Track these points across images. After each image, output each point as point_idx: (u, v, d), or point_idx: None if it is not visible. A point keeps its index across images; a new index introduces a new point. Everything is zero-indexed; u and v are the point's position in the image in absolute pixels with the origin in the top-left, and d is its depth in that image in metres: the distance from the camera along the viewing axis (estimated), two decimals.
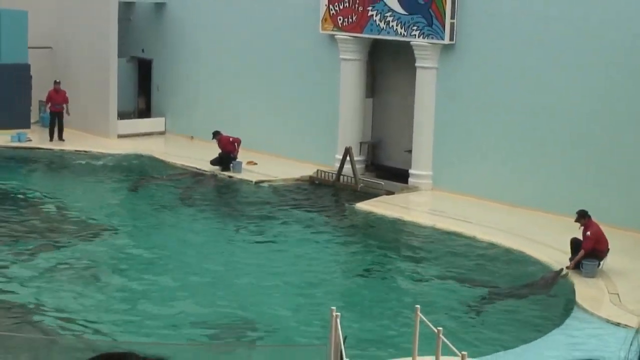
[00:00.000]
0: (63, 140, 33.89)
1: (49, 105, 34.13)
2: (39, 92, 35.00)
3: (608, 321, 17.78)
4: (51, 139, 33.83)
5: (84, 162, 31.79)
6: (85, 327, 17.77)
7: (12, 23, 34.79)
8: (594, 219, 20.86)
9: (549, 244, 22.33)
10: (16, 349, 16.29)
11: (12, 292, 19.48)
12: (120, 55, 35.55)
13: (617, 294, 19.14)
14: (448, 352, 12.08)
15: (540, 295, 19.78)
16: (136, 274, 20.91)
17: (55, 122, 33.93)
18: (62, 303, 19.00)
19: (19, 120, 33.97)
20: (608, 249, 20.58)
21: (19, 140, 33.58)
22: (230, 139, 30.14)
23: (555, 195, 24.76)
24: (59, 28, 36.15)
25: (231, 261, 22.46)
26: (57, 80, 34.22)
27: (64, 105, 34.06)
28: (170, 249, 23.26)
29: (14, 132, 33.76)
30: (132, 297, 19.60)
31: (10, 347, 16.27)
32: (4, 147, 33.19)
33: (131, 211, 27.34)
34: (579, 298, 18.95)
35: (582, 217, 20.76)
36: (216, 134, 30.28)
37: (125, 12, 36.35)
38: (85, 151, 32.99)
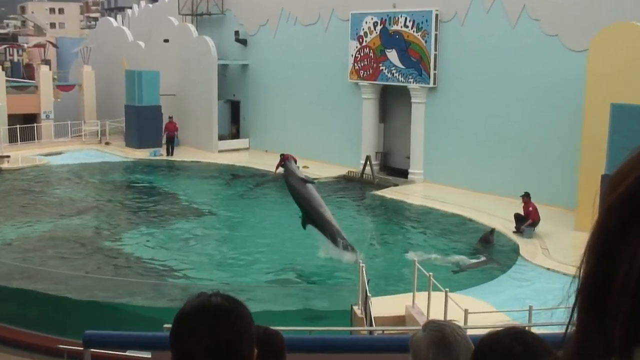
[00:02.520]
0: (172, 155, 33.93)
1: (166, 132, 34.28)
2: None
3: (541, 266, 17.68)
4: (166, 154, 33.97)
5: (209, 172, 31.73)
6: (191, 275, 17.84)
7: (150, 79, 35.15)
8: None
9: (497, 215, 22.11)
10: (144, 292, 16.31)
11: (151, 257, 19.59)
12: (219, 98, 35.65)
13: (547, 249, 18.96)
14: (437, 289, 12.03)
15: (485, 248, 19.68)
16: (226, 242, 20.91)
17: (169, 143, 34.06)
18: (186, 259, 19.09)
19: (154, 142, 34.31)
20: (540, 219, 20.37)
21: (154, 155, 33.88)
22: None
23: (505, 184, 24.53)
24: (180, 82, 36.31)
25: (291, 226, 22.40)
26: (170, 116, 34.41)
27: (175, 132, 34.22)
28: (250, 225, 23.19)
29: (151, 149, 34.03)
30: (223, 257, 19.57)
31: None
32: (145, 159, 33.52)
33: (225, 200, 27.35)
34: (521, 251, 18.80)
35: (527, 196, 20.61)
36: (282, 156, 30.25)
37: (222, 70, 36.42)
38: (198, 161, 33.13)
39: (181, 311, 2.03)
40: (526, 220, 20.29)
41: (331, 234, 18.27)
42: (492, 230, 20.32)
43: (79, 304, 15.55)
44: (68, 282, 16.59)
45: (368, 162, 28.77)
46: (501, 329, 2.19)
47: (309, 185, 18.94)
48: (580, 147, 21.02)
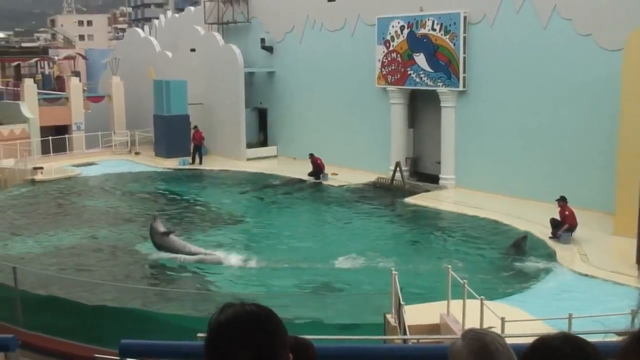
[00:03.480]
0: (201, 164, 34.03)
1: (193, 141, 34.40)
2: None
3: (579, 273, 17.34)
4: (192, 162, 34.19)
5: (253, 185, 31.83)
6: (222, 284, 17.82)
7: (177, 89, 35.42)
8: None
9: (532, 220, 21.80)
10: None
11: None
12: (246, 106, 35.72)
13: (586, 255, 18.62)
14: (471, 297, 11.85)
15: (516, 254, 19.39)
16: (257, 250, 20.87)
17: (195, 151, 34.23)
18: (218, 267, 19.08)
19: (182, 151, 34.53)
20: (577, 223, 20.04)
21: (183, 164, 34.06)
22: (318, 161, 30.13)
23: (540, 188, 24.22)
24: (207, 90, 36.48)
25: (321, 237, 22.38)
26: (195, 126, 34.64)
27: (201, 141, 34.36)
28: (280, 233, 23.13)
29: (180, 159, 34.24)
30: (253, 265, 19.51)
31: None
32: (174, 168, 33.75)
33: (255, 208, 27.37)
34: (558, 258, 18.48)
35: (563, 200, 20.30)
36: (311, 155, 30.27)
37: (249, 78, 36.52)
38: (226, 169, 33.23)
39: (215, 321, 2.04)
40: (562, 225, 19.94)
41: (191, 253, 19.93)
42: (525, 237, 20.03)
43: (113, 312, 15.66)
44: (102, 291, 16.68)
45: (398, 168, 28.58)
46: (551, 333, 2.17)
47: (171, 236, 20.38)
48: (618, 149, 20.63)
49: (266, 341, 1.99)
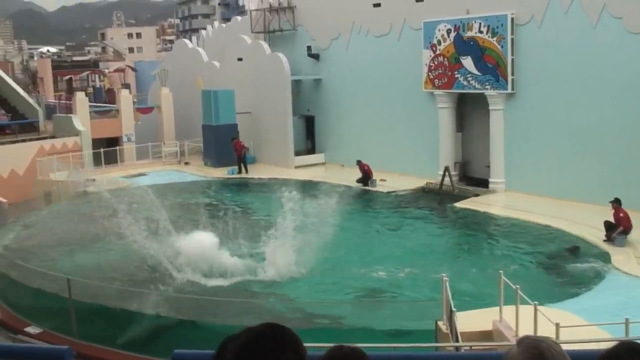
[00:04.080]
0: (247, 173, 34.12)
1: (235, 152, 34.48)
2: (244, 141, 35.64)
3: (635, 276, 16.99)
4: (240, 172, 34.21)
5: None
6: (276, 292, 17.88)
7: (225, 98, 35.76)
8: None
9: (585, 224, 21.41)
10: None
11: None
12: (293, 114, 35.87)
13: None
14: (524, 302, 11.70)
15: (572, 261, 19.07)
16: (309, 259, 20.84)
17: (239, 161, 34.28)
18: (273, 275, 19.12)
19: (231, 160, 34.72)
20: (631, 226, 19.63)
21: (232, 173, 34.28)
22: (366, 167, 30.11)
23: (593, 190, 23.82)
24: (255, 99, 36.75)
25: (369, 243, 22.27)
26: (233, 137, 34.58)
27: (243, 151, 34.33)
28: (332, 241, 23.06)
29: (229, 168, 34.50)
30: (306, 273, 19.47)
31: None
32: (224, 177, 34.00)
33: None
34: (613, 261, 18.11)
35: (617, 202, 19.92)
36: (358, 162, 30.29)
37: (296, 86, 36.70)
38: (275, 178, 33.36)
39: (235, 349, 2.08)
40: (617, 228, 19.54)
41: None
42: (577, 248, 19.70)
43: (166, 322, 15.85)
44: (153, 302, 16.88)
45: (447, 173, 28.40)
46: (617, 343, 2.13)
47: None
48: None
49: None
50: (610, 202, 20.12)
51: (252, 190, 32.23)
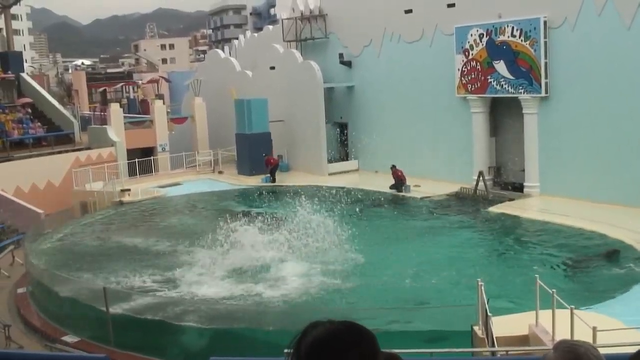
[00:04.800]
0: (274, 182, 34.24)
1: (268, 166, 34.56)
2: (278, 149, 35.83)
3: None
4: (273, 181, 34.31)
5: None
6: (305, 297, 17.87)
7: (258, 107, 35.99)
8: None
9: (624, 227, 21.13)
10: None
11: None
12: (326, 121, 35.95)
13: None
14: (561, 306, 11.59)
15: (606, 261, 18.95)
16: (343, 265, 20.80)
17: (272, 171, 34.41)
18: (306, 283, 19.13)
19: (265, 168, 34.85)
20: None
21: (266, 181, 34.41)
22: (400, 173, 30.06)
23: (631, 193, 23.55)
24: (288, 107, 36.91)
25: (406, 247, 22.17)
26: (265, 153, 34.86)
27: (275, 164, 34.50)
28: (365, 241, 22.96)
29: (263, 176, 34.65)
30: (339, 280, 19.46)
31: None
32: (258, 185, 34.09)
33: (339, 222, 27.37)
34: None
35: None
36: (392, 167, 30.27)
37: (329, 93, 36.80)
38: (309, 185, 33.33)
39: (306, 341, 2.02)
40: None
41: None
42: (617, 251, 19.46)
43: (200, 331, 15.95)
44: (185, 311, 16.99)
45: (481, 178, 28.25)
46: None
47: None
48: None
49: (365, 356, 1.99)
50: None
51: (287, 197, 32.16)
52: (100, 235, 26.88)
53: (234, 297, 18.30)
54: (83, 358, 11.74)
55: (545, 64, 26.51)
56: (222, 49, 48.55)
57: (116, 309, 17.06)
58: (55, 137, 39.33)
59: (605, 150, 24.93)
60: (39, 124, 40.27)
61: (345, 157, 37.40)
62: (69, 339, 17.30)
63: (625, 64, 23.99)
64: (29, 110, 41.26)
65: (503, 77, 28.14)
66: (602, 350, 2.48)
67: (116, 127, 38.51)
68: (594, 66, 24.99)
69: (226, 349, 14.74)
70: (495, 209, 25.84)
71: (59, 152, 36.92)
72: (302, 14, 38.50)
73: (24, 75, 44.22)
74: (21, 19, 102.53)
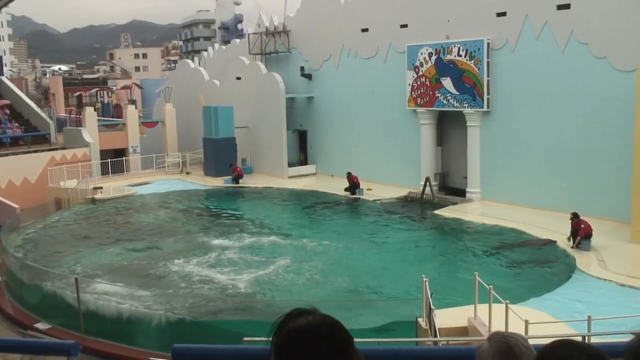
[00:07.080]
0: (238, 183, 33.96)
1: (234, 173, 34.08)
2: (242, 153, 35.63)
3: (598, 277, 17.08)
4: (236, 183, 34.02)
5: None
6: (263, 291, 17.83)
7: (225, 114, 35.81)
8: (581, 214, 20.40)
9: (554, 230, 21.53)
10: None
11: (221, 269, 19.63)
12: (287, 128, 35.91)
13: (604, 261, 18.34)
14: (497, 301, 11.75)
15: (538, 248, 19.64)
16: (298, 260, 20.83)
17: (236, 178, 34.12)
18: (260, 276, 19.06)
19: (229, 171, 34.65)
20: (592, 230, 19.71)
21: (229, 183, 34.21)
22: (354, 179, 30.15)
23: (560, 200, 23.98)
24: (252, 115, 36.80)
25: (356, 247, 22.24)
26: (231, 163, 34.56)
27: (241, 173, 34.20)
28: (319, 238, 23.05)
29: (227, 177, 34.43)
30: (292, 274, 19.44)
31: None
32: (221, 186, 33.95)
33: (291, 218, 27.41)
34: (578, 264, 18.22)
35: (576, 216, 20.12)
36: (348, 174, 30.39)
37: (290, 103, 36.74)
38: (270, 187, 33.35)
39: (287, 334, 1.91)
40: (577, 237, 19.70)
41: None
42: (553, 242, 20.08)
43: (167, 320, 15.77)
44: (153, 301, 16.82)
45: (428, 183, 28.50)
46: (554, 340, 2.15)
47: None
48: (633, 163, 20.34)
49: (337, 352, 1.89)
50: (570, 218, 20.24)
51: (249, 197, 32.16)
52: (72, 229, 26.53)
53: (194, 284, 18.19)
54: (54, 343, 11.53)
55: (488, 81, 26.88)
56: (192, 60, 48.16)
57: (86, 298, 16.80)
58: (32, 137, 38.60)
59: (539, 161, 25.38)
60: (17, 124, 39.50)
61: (304, 161, 37.40)
62: (41, 326, 16.99)
63: (559, 83, 24.46)
64: (8, 112, 40.42)
65: (449, 92, 28.44)
66: (533, 341, 2.51)
67: (90, 129, 37.96)
68: (531, 85, 25.43)
69: (188, 338, 14.63)
70: (440, 212, 26.09)
71: (35, 152, 36.21)
72: (267, 29, 38.41)
73: (3, 78, 43.32)
74: (2, 26, 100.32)
